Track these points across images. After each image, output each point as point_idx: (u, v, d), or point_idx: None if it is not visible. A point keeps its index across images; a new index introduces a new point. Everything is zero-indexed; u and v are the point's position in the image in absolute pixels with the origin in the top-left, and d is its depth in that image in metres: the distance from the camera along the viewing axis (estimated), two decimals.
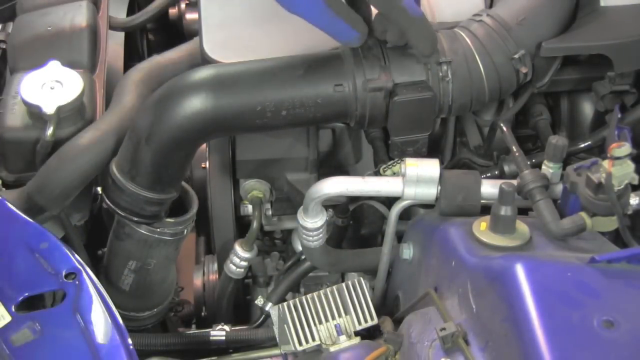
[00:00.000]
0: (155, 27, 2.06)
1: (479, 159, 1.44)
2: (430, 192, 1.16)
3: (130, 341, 1.00)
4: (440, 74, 1.20)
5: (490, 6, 1.35)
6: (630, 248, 1.03)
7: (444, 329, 0.95)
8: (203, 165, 1.55)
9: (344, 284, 1.19)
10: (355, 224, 1.50)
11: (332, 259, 1.39)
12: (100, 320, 1.01)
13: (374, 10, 1.17)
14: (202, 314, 1.59)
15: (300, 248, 1.45)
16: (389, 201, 1.39)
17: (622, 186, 1.00)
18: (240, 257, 1.44)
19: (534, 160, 1.31)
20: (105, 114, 1.32)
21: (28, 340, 0.98)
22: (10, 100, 1.30)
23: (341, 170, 1.49)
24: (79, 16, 1.45)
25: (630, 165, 0.99)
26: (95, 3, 1.54)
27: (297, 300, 1.18)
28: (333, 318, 1.17)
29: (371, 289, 1.33)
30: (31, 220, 1.13)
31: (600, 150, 1.32)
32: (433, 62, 1.19)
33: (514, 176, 1.23)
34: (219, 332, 1.42)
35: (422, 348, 0.99)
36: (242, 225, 1.54)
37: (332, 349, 1.15)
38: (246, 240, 1.44)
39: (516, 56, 1.22)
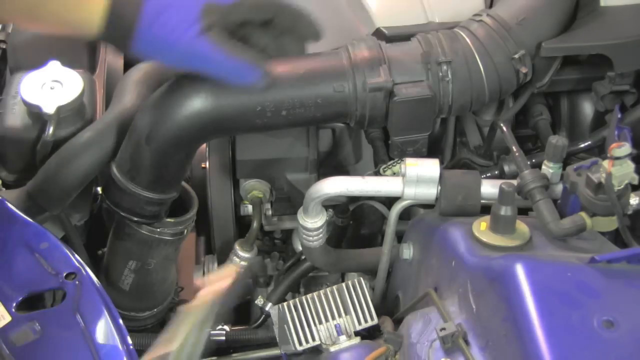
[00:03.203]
0: None
1: (479, 159, 1.44)
2: (430, 192, 1.16)
3: (130, 341, 1.00)
4: (440, 74, 1.20)
5: (490, 6, 1.35)
6: (630, 248, 1.03)
7: (444, 329, 0.95)
8: (203, 165, 1.55)
9: (344, 284, 1.19)
10: (355, 224, 1.49)
11: (332, 259, 1.39)
12: (100, 320, 1.01)
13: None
14: None
15: (300, 248, 1.45)
16: (389, 201, 1.39)
17: (622, 186, 1.00)
18: (240, 257, 1.44)
19: (534, 160, 1.31)
20: (105, 114, 1.31)
21: (28, 340, 0.97)
22: (10, 100, 1.30)
23: (341, 170, 1.49)
24: None
25: (630, 165, 0.99)
26: None
27: (297, 300, 1.18)
28: (333, 318, 1.17)
29: (371, 289, 1.33)
30: (31, 220, 1.13)
31: (600, 150, 1.32)
32: (433, 62, 1.19)
33: (514, 176, 1.23)
34: (219, 332, 1.42)
35: (422, 348, 0.99)
36: (242, 225, 1.54)
37: (332, 349, 1.15)
38: (246, 240, 1.44)
39: (516, 56, 1.22)
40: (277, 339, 1.20)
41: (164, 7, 1.05)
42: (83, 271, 1.05)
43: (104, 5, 1.05)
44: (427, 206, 1.24)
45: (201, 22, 1.05)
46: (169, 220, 1.28)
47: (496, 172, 1.35)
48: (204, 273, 1.58)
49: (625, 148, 0.99)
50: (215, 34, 1.06)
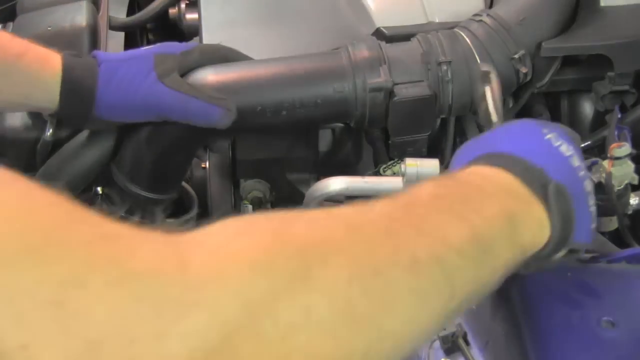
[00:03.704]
0: (155, 27, 2.06)
1: None
2: None
3: None
4: (440, 74, 1.20)
5: (491, 6, 1.35)
6: (630, 248, 1.03)
7: (444, 328, 0.95)
8: (203, 165, 1.55)
9: None
10: None
11: None
12: None
13: None
14: None
15: None
16: None
17: (622, 186, 1.00)
18: None
19: None
20: None
21: None
22: None
23: (341, 170, 1.49)
24: (79, 16, 1.45)
25: (630, 165, 0.99)
26: (95, 3, 1.54)
27: None
28: None
29: None
30: None
31: (600, 150, 1.32)
32: (433, 62, 1.19)
33: None
34: None
35: (422, 348, 0.99)
36: None
37: None
38: None
39: (516, 56, 1.22)
40: None
41: (119, 63, 1.09)
42: None
43: (60, 75, 1.07)
44: None
45: (156, 70, 1.08)
46: (169, 220, 1.27)
47: None
48: None
49: (625, 148, 0.99)
50: (172, 79, 1.09)
